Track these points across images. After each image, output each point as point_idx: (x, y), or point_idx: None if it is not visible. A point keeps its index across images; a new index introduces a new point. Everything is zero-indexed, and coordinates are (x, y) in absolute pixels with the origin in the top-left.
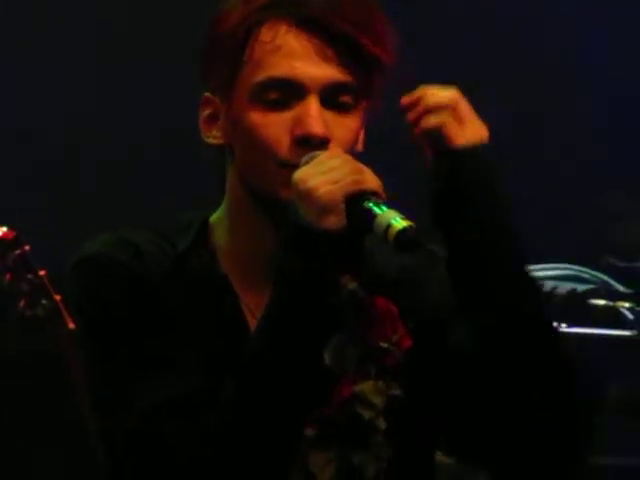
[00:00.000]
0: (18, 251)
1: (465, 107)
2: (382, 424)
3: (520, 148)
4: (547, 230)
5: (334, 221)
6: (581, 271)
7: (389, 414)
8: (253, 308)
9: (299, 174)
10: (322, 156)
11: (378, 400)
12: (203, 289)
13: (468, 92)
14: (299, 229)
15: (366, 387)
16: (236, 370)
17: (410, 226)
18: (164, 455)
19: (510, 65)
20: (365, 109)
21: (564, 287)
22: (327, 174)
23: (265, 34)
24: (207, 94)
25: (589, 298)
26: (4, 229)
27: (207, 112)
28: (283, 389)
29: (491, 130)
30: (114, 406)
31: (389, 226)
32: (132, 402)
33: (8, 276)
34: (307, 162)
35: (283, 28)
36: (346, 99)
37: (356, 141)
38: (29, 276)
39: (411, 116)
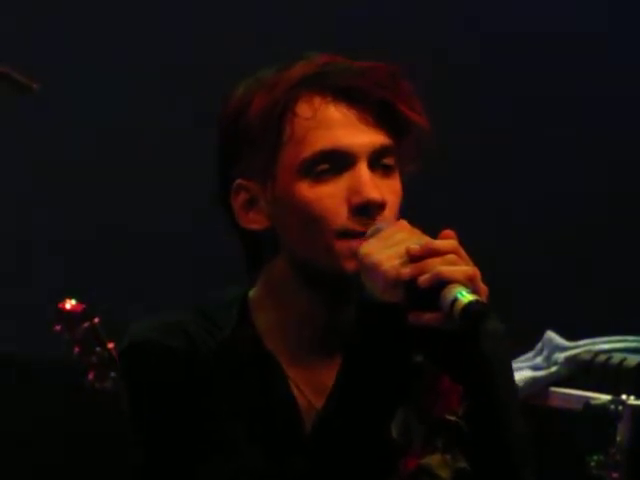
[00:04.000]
0: (87, 324)
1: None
2: None
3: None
4: (615, 302)
5: (400, 295)
6: None
7: None
8: (300, 385)
9: (364, 248)
10: (388, 230)
11: (445, 473)
12: (251, 369)
13: None
14: (365, 304)
15: (433, 460)
16: (305, 443)
17: (477, 300)
18: None
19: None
20: (402, 175)
21: (633, 359)
22: (393, 248)
23: (303, 110)
24: (240, 181)
25: None
26: (73, 302)
27: (243, 198)
28: (351, 462)
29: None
30: None
31: (455, 300)
32: None
33: (77, 349)
34: (372, 235)
35: (319, 101)
36: (389, 161)
37: (400, 204)
38: (98, 349)
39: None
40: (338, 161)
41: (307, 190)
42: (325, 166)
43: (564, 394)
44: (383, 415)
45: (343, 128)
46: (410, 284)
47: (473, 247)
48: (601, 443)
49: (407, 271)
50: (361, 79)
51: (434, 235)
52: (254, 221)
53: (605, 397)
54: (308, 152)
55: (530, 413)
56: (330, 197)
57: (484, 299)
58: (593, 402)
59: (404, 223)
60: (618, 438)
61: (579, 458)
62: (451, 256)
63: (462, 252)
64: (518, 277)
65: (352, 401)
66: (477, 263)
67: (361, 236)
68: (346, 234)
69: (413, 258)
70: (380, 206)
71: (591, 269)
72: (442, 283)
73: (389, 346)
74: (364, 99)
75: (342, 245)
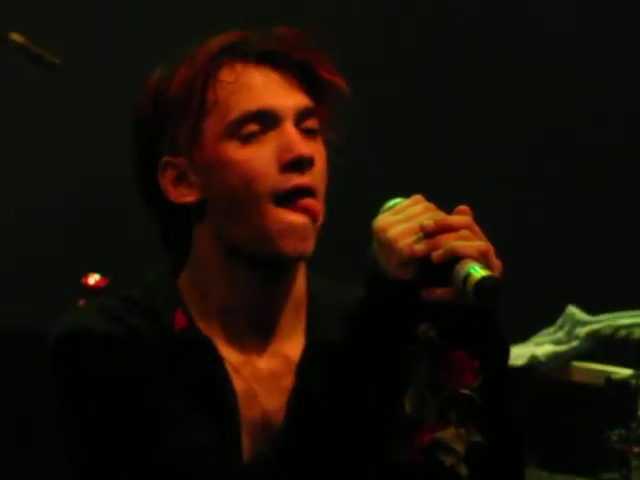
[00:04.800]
0: None
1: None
2: (464, 470)
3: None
4: (636, 277)
5: (412, 273)
6: None
7: (471, 461)
8: (237, 366)
9: (379, 222)
10: (403, 204)
11: (460, 447)
12: (187, 354)
13: None
14: (376, 280)
15: (447, 434)
16: (240, 426)
17: (490, 275)
18: None
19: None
20: (325, 143)
21: None
22: (407, 223)
23: (225, 75)
24: (166, 158)
25: None
26: (97, 277)
27: (171, 175)
28: (362, 434)
29: None
30: (110, 474)
31: (468, 276)
32: (129, 473)
33: None
34: (388, 209)
35: (241, 66)
36: (312, 124)
37: (327, 168)
38: None
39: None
40: (264, 122)
41: (234, 153)
42: (251, 127)
43: (585, 369)
44: (394, 391)
45: (267, 90)
46: (423, 259)
47: (491, 223)
48: (622, 417)
49: (421, 248)
50: (281, 43)
51: (449, 210)
52: (184, 194)
53: (626, 371)
54: (233, 114)
55: (551, 387)
56: (258, 157)
57: (497, 274)
58: (614, 376)
59: (419, 197)
60: (639, 412)
61: (600, 432)
62: (465, 232)
63: (476, 228)
64: (539, 252)
65: (361, 376)
66: (495, 239)
67: (293, 196)
68: (279, 195)
69: (427, 234)
70: (310, 162)
71: (613, 244)
72: (455, 259)
73: (400, 321)
74: (285, 62)
75: (275, 215)
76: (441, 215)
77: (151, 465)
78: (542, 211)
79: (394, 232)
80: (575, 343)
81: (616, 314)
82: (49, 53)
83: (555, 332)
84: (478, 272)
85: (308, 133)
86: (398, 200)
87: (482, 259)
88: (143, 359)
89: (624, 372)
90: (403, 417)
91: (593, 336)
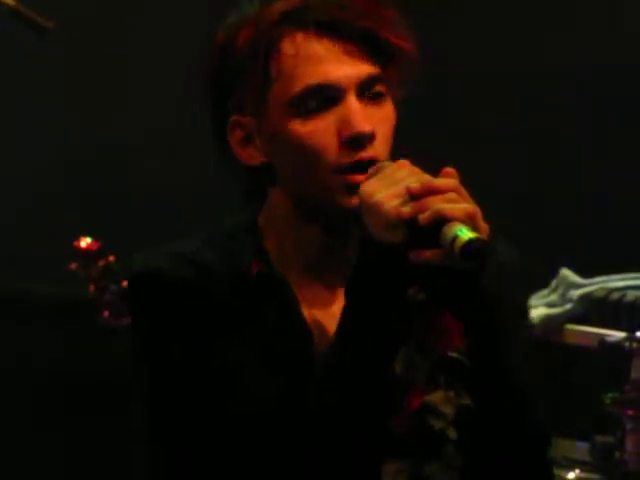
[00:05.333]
0: (102, 262)
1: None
2: (453, 434)
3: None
4: (630, 240)
5: (400, 235)
6: None
7: (460, 424)
8: (311, 309)
9: (365, 187)
10: (389, 168)
11: (449, 410)
12: (263, 295)
13: None
14: (366, 244)
15: (436, 397)
16: (312, 383)
17: (477, 238)
18: (248, 463)
19: None
20: (394, 100)
21: None
22: (393, 187)
23: (286, 47)
24: (235, 117)
25: None
26: (88, 240)
27: (240, 134)
28: (355, 400)
29: None
30: (185, 418)
31: (455, 237)
32: (206, 415)
33: (92, 287)
34: (374, 174)
35: (301, 37)
36: (379, 88)
37: (394, 131)
38: (113, 287)
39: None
40: (326, 95)
41: (299, 126)
42: (314, 101)
43: (579, 331)
44: (386, 354)
45: (328, 62)
46: (411, 223)
47: (486, 187)
48: (616, 380)
49: (407, 210)
50: (342, 11)
51: (435, 174)
52: (251, 157)
53: (620, 334)
54: (296, 89)
55: (545, 350)
56: (321, 132)
57: (484, 237)
58: (608, 339)
59: (405, 162)
60: (633, 375)
61: (594, 395)
62: (451, 194)
63: (463, 190)
64: (533, 215)
65: (354, 340)
66: (490, 202)
67: (355, 170)
68: (339, 170)
69: (413, 196)
70: (370, 137)
71: (606, 207)
72: (442, 221)
73: (390, 285)
74: (347, 31)
75: (336, 180)
76: (427, 178)
77: (226, 408)
78: (538, 176)
79: (380, 196)
80: (569, 306)
81: (609, 277)
82: (42, 17)
83: (548, 295)
84: (465, 234)
85: (374, 98)
86: (383, 164)
87: (469, 221)
88: (218, 304)
89: (618, 335)
90: (393, 380)
91: (586, 299)
